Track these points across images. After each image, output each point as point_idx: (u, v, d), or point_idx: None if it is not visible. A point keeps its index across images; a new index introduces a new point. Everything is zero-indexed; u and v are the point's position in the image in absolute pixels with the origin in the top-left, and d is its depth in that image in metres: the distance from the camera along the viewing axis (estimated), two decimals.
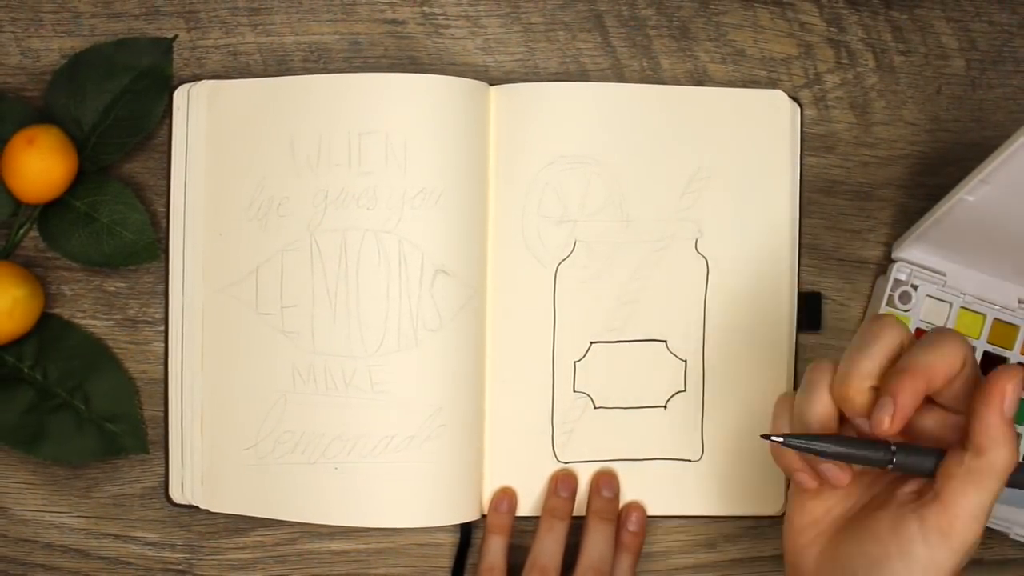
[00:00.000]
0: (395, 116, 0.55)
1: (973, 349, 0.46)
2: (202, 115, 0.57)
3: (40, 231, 0.57)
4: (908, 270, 0.57)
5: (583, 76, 0.59)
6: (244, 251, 0.56)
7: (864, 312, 0.59)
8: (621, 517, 0.57)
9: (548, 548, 0.55)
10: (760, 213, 0.58)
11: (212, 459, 0.57)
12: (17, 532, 0.58)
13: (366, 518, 0.55)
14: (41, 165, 0.54)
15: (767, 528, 0.59)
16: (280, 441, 0.56)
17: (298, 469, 0.55)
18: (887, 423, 0.41)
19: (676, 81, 0.59)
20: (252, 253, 0.56)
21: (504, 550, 0.56)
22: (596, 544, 0.56)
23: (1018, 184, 0.49)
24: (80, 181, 0.56)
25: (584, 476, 0.57)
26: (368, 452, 0.55)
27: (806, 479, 0.45)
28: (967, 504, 0.41)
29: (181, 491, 0.57)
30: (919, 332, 0.57)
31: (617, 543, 0.57)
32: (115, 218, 0.56)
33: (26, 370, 0.57)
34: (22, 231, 0.57)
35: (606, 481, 0.57)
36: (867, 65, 0.60)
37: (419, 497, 0.55)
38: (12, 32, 0.58)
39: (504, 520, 0.57)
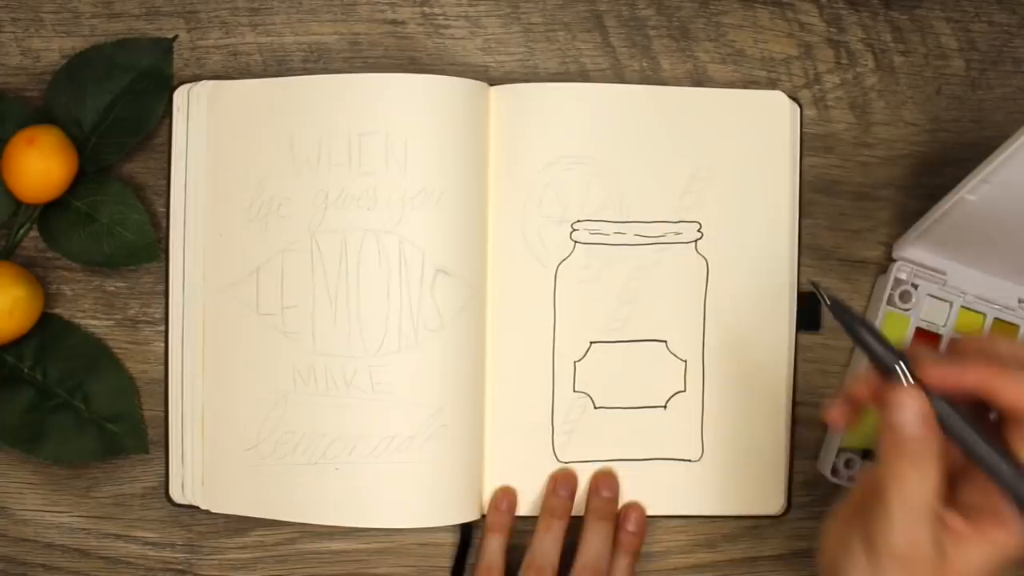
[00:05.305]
0: (395, 116, 0.55)
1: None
2: (202, 115, 0.57)
3: (40, 231, 0.57)
4: (909, 269, 0.57)
5: (583, 76, 0.59)
6: (244, 251, 0.56)
7: (864, 312, 0.59)
8: (620, 517, 0.57)
9: (545, 547, 0.55)
10: (760, 213, 0.58)
11: (212, 459, 0.57)
12: (17, 532, 0.58)
13: (367, 518, 0.55)
14: (41, 165, 0.54)
15: (767, 528, 0.59)
16: (281, 442, 0.56)
17: (299, 470, 0.55)
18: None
19: (676, 81, 0.59)
20: (252, 253, 0.56)
21: (502, 549, 0.56)
22: (593, 543, 0.56)
23: (1018, 184, 0.49)
24: (80, 181, 0.56)
25: (584, 476, 0.57)
26: (369, 452, 0.55)
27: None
28: None
29: (181, 491, 0.57)
30: (919, 332, 0.57)
31: (616, 543, 0.56)
32: (115, 218, 0.56)
33: (26, 370, 0.57)
34: (22, 231, 0.57)
35: (605, 481, 0.57)
36: (867, 65, 0.60)
37: (420, 497, 0.55)
38: (12, 32, 0.58)
39: (503, 519, 0.57)
